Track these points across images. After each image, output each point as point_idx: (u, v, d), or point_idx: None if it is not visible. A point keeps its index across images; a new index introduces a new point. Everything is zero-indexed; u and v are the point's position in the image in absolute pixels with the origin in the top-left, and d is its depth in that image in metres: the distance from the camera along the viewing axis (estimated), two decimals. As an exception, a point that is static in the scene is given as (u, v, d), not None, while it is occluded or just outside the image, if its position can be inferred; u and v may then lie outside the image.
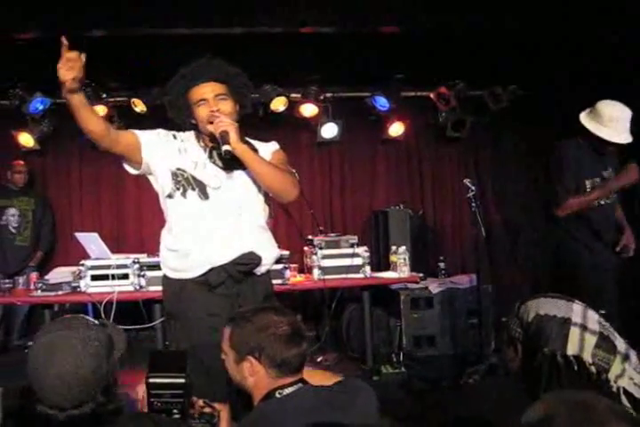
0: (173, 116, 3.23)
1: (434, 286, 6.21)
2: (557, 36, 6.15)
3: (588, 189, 4.42)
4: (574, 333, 1.89)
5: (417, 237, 6.95)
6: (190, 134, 3.23)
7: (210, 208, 3.09)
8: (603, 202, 4.49)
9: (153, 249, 5.48)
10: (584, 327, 1.90)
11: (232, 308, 2.94)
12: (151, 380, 1.83)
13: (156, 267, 5.07)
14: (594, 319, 1.94)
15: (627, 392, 1.85)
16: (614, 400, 1.79)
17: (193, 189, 3.10)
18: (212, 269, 3.05)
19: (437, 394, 4.71)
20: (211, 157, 3.14)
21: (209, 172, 3.13)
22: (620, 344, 1.92)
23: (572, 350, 1.86)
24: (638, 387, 1.87)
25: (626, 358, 1.89)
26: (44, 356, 1.71)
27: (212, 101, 3.06)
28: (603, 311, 4.34)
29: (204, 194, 3.10)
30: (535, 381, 1.90)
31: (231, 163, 3.10)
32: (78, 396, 1.70)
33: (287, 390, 1.99)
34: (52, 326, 1.81)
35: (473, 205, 5.63)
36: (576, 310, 1.95)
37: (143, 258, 5.22)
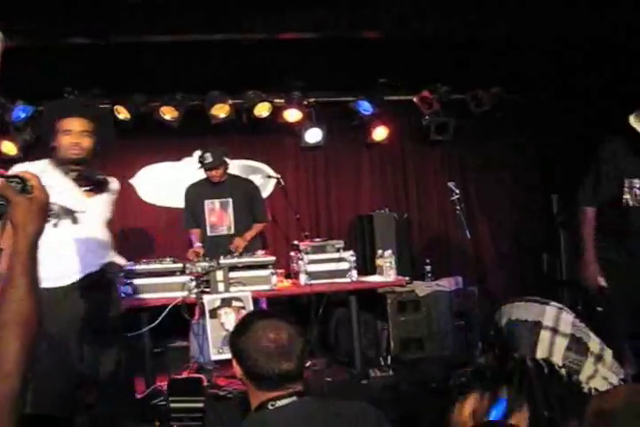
0: (41, 135, 3.87)
1: (420, 289, 6.23)
2: (539, 39, 6.21)
3: (626, 189, 4.30)
4: (544, 337, 1.91)
5: (402, 240, 6.96)
6: (45, 163, 3.69)
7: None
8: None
9: (138, 256, 5.48)
10: (555, 331, 1.92)
11: None
12: (172, 405, 1.86)
13: (143, 274, 5.08)
14: (567, 322, 1.96)
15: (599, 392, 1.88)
16: (585, 401, 1.83)
17: (64, 218, 3.50)
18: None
19: (426, 397, 4.72)
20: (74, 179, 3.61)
21: (74, 196, 3.59)
22: (594, 345, 1.95)
23: (541, 353, 1.90)
24: (611, 386, 1.90)
25: (599, 359, 1.92)
26: None
27: (76, 135, 3.59)
28: (599, 308, 4.34)
29: (73, 219, 3.56)
30: (508, 382, 1.94)
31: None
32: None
33: (280, 402, 1.98)
34: None
35: (457, 207, 5.65)
36: (548, 313, 1.98)
37: (129, 266, 5.19)
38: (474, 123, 7.50)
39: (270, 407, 1.96)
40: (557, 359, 1.88)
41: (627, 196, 4.34)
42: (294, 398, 1.99)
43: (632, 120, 4.28)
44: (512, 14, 5.90)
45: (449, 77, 7.10)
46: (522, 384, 1.89)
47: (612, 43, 6.16)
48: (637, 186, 4.33)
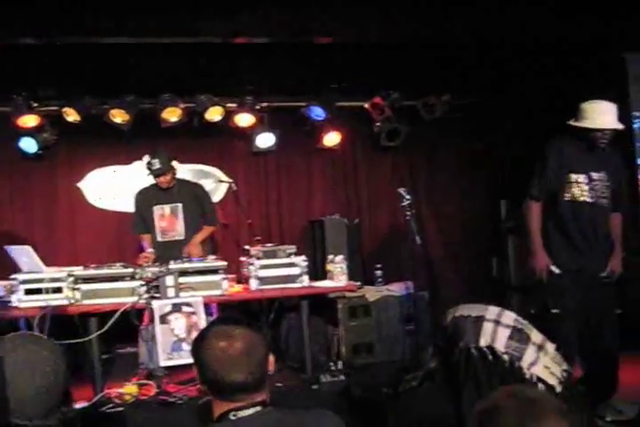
0: None
1: (371, 294, 6.26)
2: (490, 47, 6.32)
3: (573, 182, 4.51)
4: (487, 327, 2.00)
5: (353, 245, 6.99)
6: None
7: None
8: (583, 199, 4.54)
9: (87, 261, 5.40)
10: (497, 322, 2.01)
11: None
12: None
13: (91, 280, 5.00)
14: (510, 317, 2.05)
15: (541, 379, 1.96)
16: (530, 386, 1.91)
17: None
18: None
19: (377, 401, 4.73)
20: None
21: None
22: (536, 337, 2.03)
23: (484, 341, 1.98)
24: (553, 375, 1.98)
25: (540, 348, 2.00)
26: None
27: None
28: (555, 311, 4.45)
29: None
30: (454, 376, 2.00)
31: None
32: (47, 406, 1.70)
33: (242, 413, 1.90)
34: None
35: (408, 213, 5.71)
36: (491, 310, 2.06)
37: (78, 271, 5.10)
38: (425, 129, 7.58)
39: (232, 418, 1.89)
40: (500, 346, 1.95)
41: (574, 189, 4.53)
42: (257, 409, 1.91)
43: (572, 123, 4.51)
44: (463, 20, 6.01)
45: (401, 84, 7.16)
46: (468, 372, 1.95)
47: (560, 48, 6.34)
48: (585, 181, 4.52)
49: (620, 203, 4.71)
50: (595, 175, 4.54)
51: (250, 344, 1.94)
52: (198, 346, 1.97)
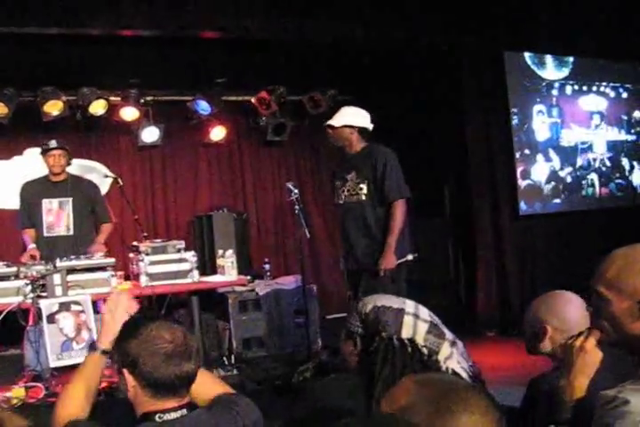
0: None
1: (260, 288, 6.30)
2: (376, 44, 6.49)
3: (336, 188, 5.09)
4: (408, 320, 2.11)
5: (241, 239, 7.01)
6: None
7: None
8: (339, 201, 5.09)
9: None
10: (417, 316, 2.13)
11: None
12: None
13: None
14: (425, 312, 2.17)
15: (455, 373, 2.10)
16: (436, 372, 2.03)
17: None
18: None
19: (270, 394, 4.79)
20: None
21: None
22: (448, 333, 2.17)
23: (406, 333, 2.09)
24: (463, 370, 2.13)
25: (453, 343, 2.14)
26: None
27: None
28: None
29: None
30: (372, 363, 2.09)
31: None
32: None
33: (169, 416, 1.87)
34: None
35: (296, 207, 5.78)
36: (409, 304, 2.18)
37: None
38: (310, 124, 7.68)
39: (158, 420, 1.87)
40: (420, 340, 2.07)
41: (336, 195, 5.11)
42: (183, 412, 1.90)
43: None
44: (346, 17, 6.14)
45: (286, 78, 7.23)
46: (386, 359, 2.05)
47: (439, 47, 6.59)
48: (339, 185, 5.06)
49: (388, 196, 4.90)
50: (347, 177, 5.01)
51: (186, 334, 1.95)
52: (134, 345, 1.90)
